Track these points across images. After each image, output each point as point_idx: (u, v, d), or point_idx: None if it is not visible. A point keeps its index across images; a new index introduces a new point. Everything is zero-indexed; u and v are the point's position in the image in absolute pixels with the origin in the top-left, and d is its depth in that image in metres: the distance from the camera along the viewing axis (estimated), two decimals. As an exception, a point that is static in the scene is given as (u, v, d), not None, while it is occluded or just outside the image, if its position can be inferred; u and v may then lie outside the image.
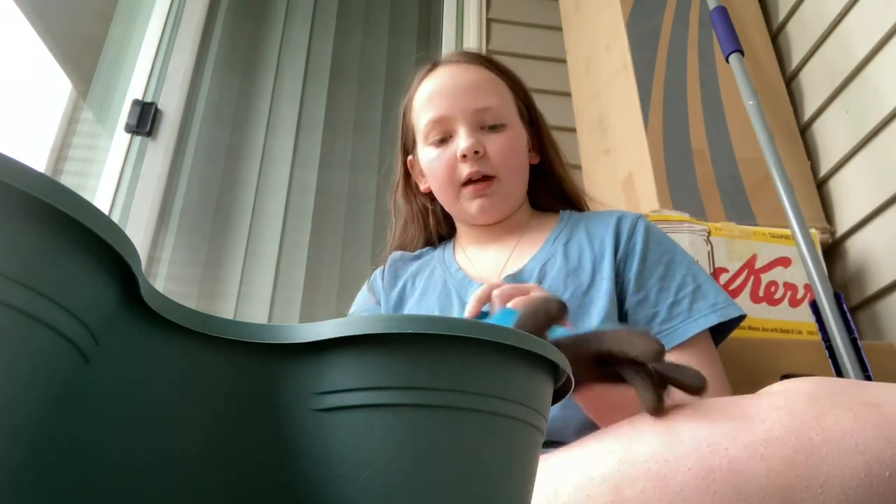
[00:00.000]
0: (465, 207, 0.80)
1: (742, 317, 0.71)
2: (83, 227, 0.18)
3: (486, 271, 0.80)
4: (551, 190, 0.88)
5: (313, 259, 1.55)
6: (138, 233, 1.43)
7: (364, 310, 0.85)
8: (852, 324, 0.88)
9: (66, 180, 2.13)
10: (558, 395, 0.32)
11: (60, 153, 2.29)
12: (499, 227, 0.84)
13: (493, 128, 0.79)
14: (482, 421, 0.24)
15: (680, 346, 0.68)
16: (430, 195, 0.88)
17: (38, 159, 2.16)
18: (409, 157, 0.89)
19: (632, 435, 0.41)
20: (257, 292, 1.50)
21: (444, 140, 0.80)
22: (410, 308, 0.81)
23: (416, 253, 0.89)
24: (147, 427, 0.22)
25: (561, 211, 0.86)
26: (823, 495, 0.34)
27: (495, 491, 0.25)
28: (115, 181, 1.47)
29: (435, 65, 0.86)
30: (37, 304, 0.18)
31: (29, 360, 0.18)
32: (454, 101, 0.79)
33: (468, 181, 0.78)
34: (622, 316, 0.72)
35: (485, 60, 0.85)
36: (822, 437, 0.36)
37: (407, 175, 0.90)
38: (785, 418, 0.37)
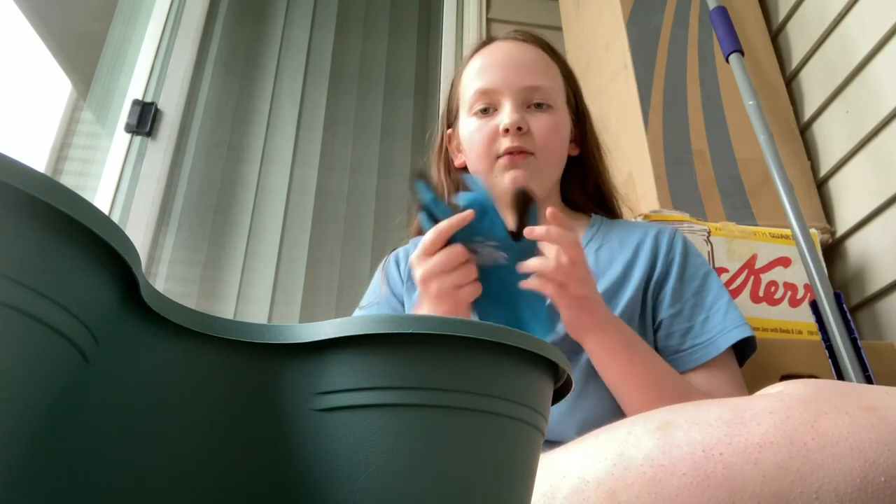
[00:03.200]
0: (498, 180, 0.78)
1: (754, 348, 0.74)
2: (83, 227, 0.18)
3: None
4: (585, 187, 0.88)
5: (313, 259, 1.55)
6: (138, 233, 1.43)
7: (374, 303, 0.83)
8: (852, 324, 0.88)
9: (66, 180, 2.13)
10: (558, 395, 0.32)
11: (60, 153, 2.29)
12: None
13: (539, 107, 0.79)
14: (482, 421, 0.24)
15: (714, 362, 0.70)
16: (464, 170, 0.87)
17: (38, 159, 2.16)
18: (449, 131, 0.89)
19: (627, 437, 0.41)
20: (257, 292, 1.50)
21: (487, 112, 0.79)
22: None
23: None
24: (147, 427, 0.22)
25: (592, 214, 0.86)
26: (818, 501, 0.34)
27: (495, 491, 0.25)
28: (115, 181, 1.47)
29: (492, 39, 0.86)
30: (37, 304, 0.18)
31: (29, 359, 0.18)
32: (504, 75, 0.79)
33: (505, 154, 0.77)
34: (644, 322, 0.74)
35: (543, 43, 0.85)
36: (817, 442, 0.35)
37: (444, 148, 0.90)
38: (780, 423, 0.37)
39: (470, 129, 0.81)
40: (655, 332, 0.74)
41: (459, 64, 0.91)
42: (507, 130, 0.76)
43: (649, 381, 0.64)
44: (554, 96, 0.80)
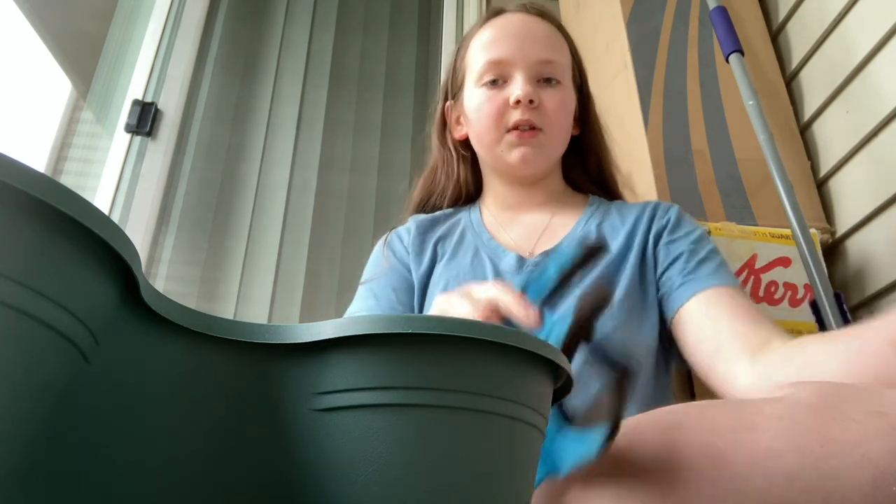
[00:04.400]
0: (505, 155, 0.78)
1: None
2: (83, 227, 0.18)
3: (519, 243, 0.79)
4: (587, 167, 0.88)
5: (313, 259, 1.55)
6: (138, 233, 1.43)
7: (379, 274, 0.82)
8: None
9: (66, 180, 2.13)
10: (558, 395, 0.32)
11: (60, 153, 2.29)
12: (531, 191, 0.83)
13: (549, 82, 0.79)
14: (482, 421, 0.24)
15: (706, 292, 0.69)
16: (463, 143, 0.87)
17: (38, 159, 2.16)
18: (448, 103, 0.88)
19: (631, 435, 0.40)
20: (257, 292, 1.50)
21: (496, 83, 0.78)
22: (441, 270, 0.79)
23: (439, 214, 0.87)
24: (147, 427, 0.22)
25: (591, 195, 0.86)
26: None
27: (494, 490, 0.25)
28: (115, 181, 1.47)
29: (501, 11, 0.85)
30: (37, 305, 0.18)
31: (29, 359, 0.18)
32: (519, 47, 0.78)
33: (514, 128, 0.77)
34: (644, 287, 0.74)
35: (553, 19, 0.85)
36: (826, 451, 0.34)
37: (444, 121, 0.89)
38: (788, 430, 0.36)
39: (478, 100, 0.79)
40: (658, 290, 0.74)
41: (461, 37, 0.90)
42: (518, 102, 0.75)
43: None
44: (563, 73, 0.81)
